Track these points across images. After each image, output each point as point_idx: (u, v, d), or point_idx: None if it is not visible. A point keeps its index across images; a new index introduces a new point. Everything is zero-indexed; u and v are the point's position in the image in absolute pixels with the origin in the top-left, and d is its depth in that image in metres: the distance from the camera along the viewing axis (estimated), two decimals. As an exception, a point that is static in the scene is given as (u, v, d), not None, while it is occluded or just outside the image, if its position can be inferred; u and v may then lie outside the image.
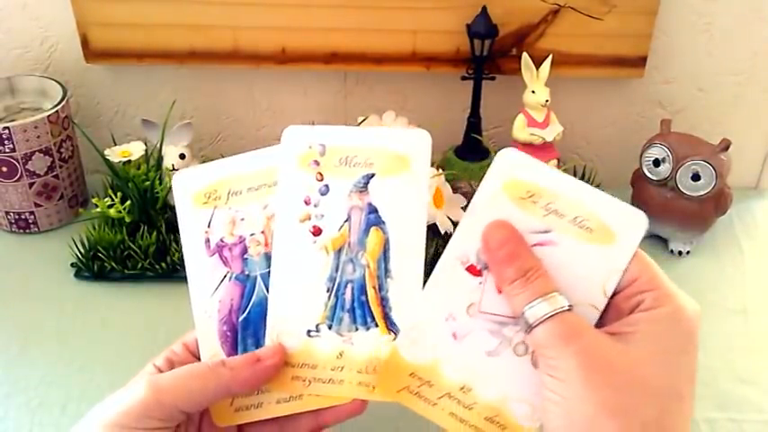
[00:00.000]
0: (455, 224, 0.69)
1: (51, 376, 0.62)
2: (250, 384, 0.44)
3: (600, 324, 0.42)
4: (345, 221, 0.45)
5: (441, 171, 0.72)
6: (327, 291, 0.45)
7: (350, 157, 0.44)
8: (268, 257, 0.46)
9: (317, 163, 0.45)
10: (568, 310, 0.39)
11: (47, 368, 0.63)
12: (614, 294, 0.42)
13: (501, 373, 0.43)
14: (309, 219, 0.45)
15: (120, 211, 0.73)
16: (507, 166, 0.42)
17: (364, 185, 0.44)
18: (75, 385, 0.62)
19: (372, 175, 0.44)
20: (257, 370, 0.43)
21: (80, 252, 0.73)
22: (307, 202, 0.45)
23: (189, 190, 0.46)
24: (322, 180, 0.45)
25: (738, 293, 0.73)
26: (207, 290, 0.46)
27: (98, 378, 0.62)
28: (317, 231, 0.45)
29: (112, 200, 0.73)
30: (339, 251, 0.45)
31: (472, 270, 0.43)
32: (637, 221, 0.41)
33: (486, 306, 0.43)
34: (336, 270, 0.45)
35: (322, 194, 0.45)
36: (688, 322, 0.40)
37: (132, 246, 0.72)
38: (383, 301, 0.45)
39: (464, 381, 0.43)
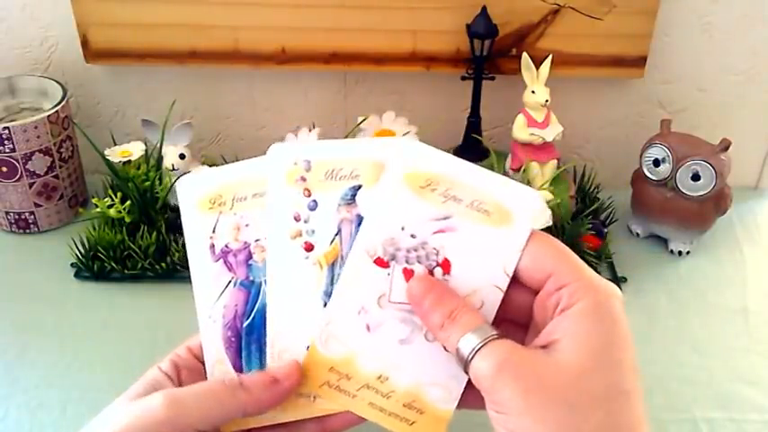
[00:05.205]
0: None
1: (51, 377, 0.62)
2: (267, 406, 0.43)
3: (533, 331, 0.42)
4: (336, 235, 0.45)
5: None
6: (324, 305, 0.45)
7: (335, 171, 0.44)
8: None
9: (303, 179, 0.45)
10: (496, 337, 0.39)
11: (46, 368, 0.63)
12: (536, 292, 0.41)
13: (414, 360, 0.43)
14: (300, 235, 0.45)
15: (120, 211, 0.73)
16: (406, 158, 0.43)
17: (352, 197, 0.44)
18: (75, 386, 0.62)
19: (359, 187, 0.44)
20: (275, 393, 0.43)
21: (80, 252, 0.73)
22: (296, 219, 0.45)
23: (194, 195, 0.46)
24: (310, 196, 0.45)
25: (738, 293, 0.73)
26: (211, 295, 0.46)
27: (98, 378, 0.62)
28: (309, 247, 0.45)
29: (112, 200, 0.73)
30: (333, 265, 0.45)
31: (380, 262, 0.43)
32: (530, 200, 0.42)
33: (395, 296, 0.43)
34: (332, 284, 0.45)
35: (311, 210, 0.45)
36: (609, 311, 0.38)
37: (132, 246, 0.72)
38: None
39: (380, 370, 0.44)
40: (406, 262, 0.43)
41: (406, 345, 0.43)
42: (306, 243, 0.45)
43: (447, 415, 0.43)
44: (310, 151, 0.45)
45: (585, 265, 0.41)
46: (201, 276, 0.46)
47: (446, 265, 0.43)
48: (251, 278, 0.46)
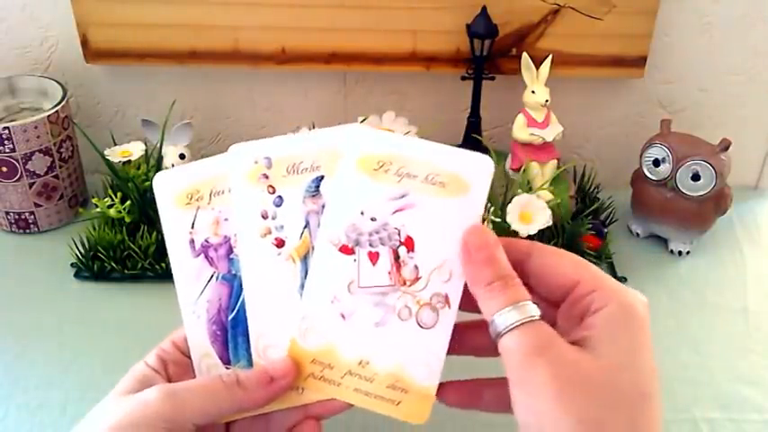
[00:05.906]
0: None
1: (51, 377, 0.62)
2: (262, 404, 0.44)
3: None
4: (305, 228, 0.45)
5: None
6: (302, 298, 0.45)
7: (296, 164, 0.45)
8: None
9: (265, 176, 0.45)
10: (539, 319, 0.39)
11: (47, 368, 0.63)
12: (558, 304, 0.42)
13: (392, 341, 0.44)
14: (270, 232, 0.45)
15: (120, 211, 0.73)
16: (356, 144, 0.44)
17: (316, 189, 0.45)
18: (75, 386, 0.62)
19: (322, 178, 0.45)
20: (271, 391, 0.44)
21: (80, 252, 0.73)
22: (264, 217, 0.45)
23: (170, 191, 0.46)
24: (274, 192, 0.45)
25: (738, 293, 0.73)
26: (194, 291, 0.47)
27: (98, 379, 0.62)
28: (279, 243, 0.45)
29: (112, 200, 0.73)
30: (305, 258, 0.45)
31: (345, 250, 0.44)
32: (483, 165, 0.43)
33: (364, 281, 0.44)
34: (306, 277, 0.45)
35: (277, 206, 0.45)
36: (638, 316, 0.39)
37: (132, 246, 0.72)
38: None
39: (360, 356, 0.44)
40: (370, 245, 0.44)
41: (381, 327, 0.44)
42: (276, 239, 0.45)
43: (431, 391, 0.44)
44: (270, 148, 0.45)
45: (606, 274, 0.41)
46: (183, 272, 0.47)
47: (409, 243, 0.43)
48: (233, 272, 0.46)
